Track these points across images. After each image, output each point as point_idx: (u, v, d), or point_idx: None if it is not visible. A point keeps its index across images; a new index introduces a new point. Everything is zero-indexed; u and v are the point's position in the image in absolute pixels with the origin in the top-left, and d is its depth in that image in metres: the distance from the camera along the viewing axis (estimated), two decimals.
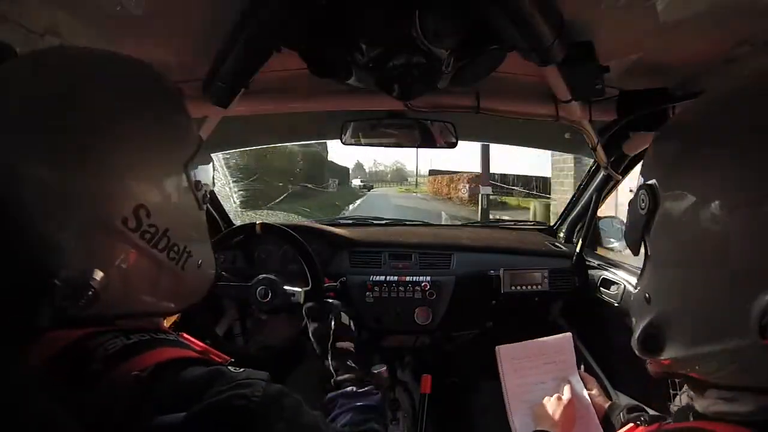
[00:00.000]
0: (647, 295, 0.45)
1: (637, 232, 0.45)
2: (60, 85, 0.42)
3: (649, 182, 0.44)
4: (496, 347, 0.91)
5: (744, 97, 0.42)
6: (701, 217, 0.38)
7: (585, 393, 0.88)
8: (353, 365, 0.84)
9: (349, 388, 0.75)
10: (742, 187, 0.36)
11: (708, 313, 0.39)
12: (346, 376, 0.79)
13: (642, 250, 0.47)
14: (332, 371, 0.82)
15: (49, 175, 0.40)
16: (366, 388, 0.75)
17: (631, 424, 0.54)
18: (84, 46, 0.50)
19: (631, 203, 0.47)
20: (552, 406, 0.84)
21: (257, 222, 1.13)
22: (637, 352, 0.46)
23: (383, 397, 0.75)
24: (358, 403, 0.70)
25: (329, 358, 0.84)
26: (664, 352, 0.43)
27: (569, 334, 0.96)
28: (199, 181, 0.50)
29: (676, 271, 0.41)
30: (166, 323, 0.59)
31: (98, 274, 0.41)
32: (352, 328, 0.93)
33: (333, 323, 0.90)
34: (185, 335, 0.55)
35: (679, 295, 0.41)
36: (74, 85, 0.42)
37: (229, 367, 0.45)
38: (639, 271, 0.48)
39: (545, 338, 0.95)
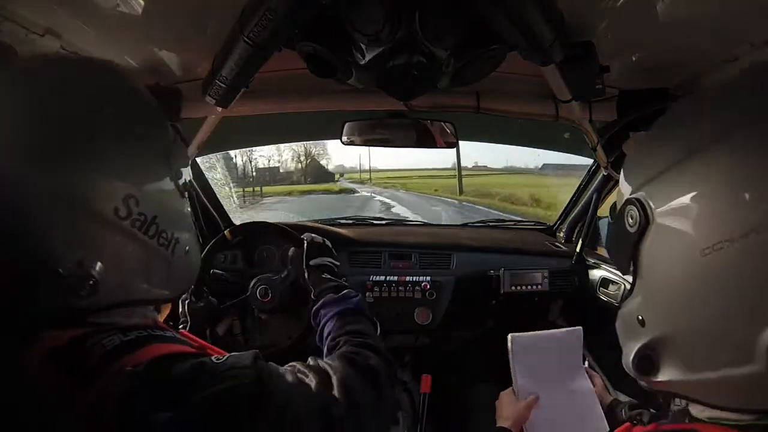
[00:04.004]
0: (640, 317, 0.41)
1: (626, 251, 0.41)
2: (51, 100, 0.45)
3: (638, 196, 0.40)
4: (509, 335, 0.91)
5: (745, 88, 0.38)
6: (705, 238, 0.34)
7: (591, 387, 0.88)
8: (329, 276, 0.84)
9: (327, 297, 0.76)
10: (754, 208, 0.32)
11: (710, 339, 0.36)
12: (323, 286, 0.80)
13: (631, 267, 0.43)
14: (311, 288, 0.82)
15: (44, 175, 0.42)
16: (343, 293, 0.76)
17: (628, 423, 0.54)
18: (84, 46, 0.51)
19: (615, 219, 0.43)
20: (506, 402, 0.85)
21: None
22: (630, 374, 0.43)
23: (362, 298, 0.77)
24: (338, 309, 0.72)
25: (306, 277, 0.85)
26: (659, 373, 0.40)
27: (579, 328, 0.94)
28: (180, 171, 0.54)
29: (674, 295, 0.38)
30: (163, 320, 0.59)
31: (97, 264, 0.44)
32: (328, 244, 0.94)
33: (306, 244, 0.91)
34: (184, 332, 0.56)
35: (679, 320, 0.38)
36: (68, 93, 0.46)
37: (212, 358, 0.45)
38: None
39: (556, 330, 0.94)
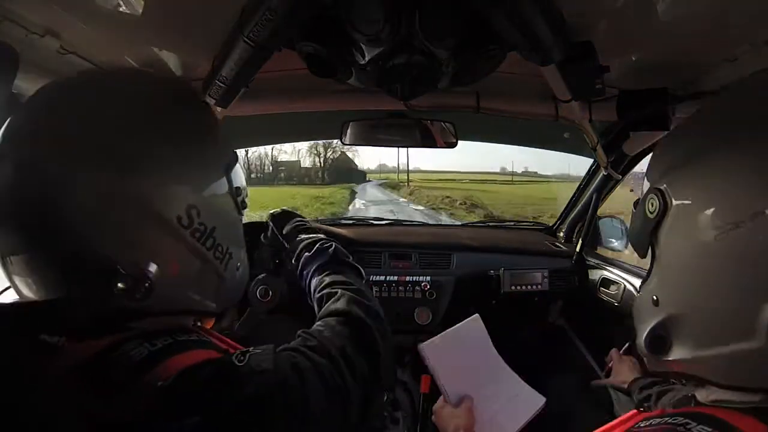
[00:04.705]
0: (655, 297, 0.45)
1: (645, 236, 0.45)
2: (124, 107, 0.47)
3: (659, 186, 0.44)
4: (419, 345, 0.89)
5: (757, 94, 0.42)
6: (714, 222, 0.38)
7: (505, 365, 0.92)
8: (303, 236, 0.84)
9: (303, 258, 0.77)
10: (761, 193, 0.36)
11: (717, 316, 0.39)
12: (298, 249, 0.80)
13: (649, 253, 0.47)
14: (292, 256, 0.82)
15: (114, 181, 0.43)
16: (315, 248, 0.77)
17: (635, 411, 0.55)
18: (84, 46, 0.51)
19: (638, 206, 0.47)
20: (446, 415, 0.82)
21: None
22: (642, 353, 0.46)
23: (336, 247, 0.78)
24: (314, 266, 0.74)
25: (286, 247, 0.85)
26: (671, 352, 0.43)
27: (477, 315, 0.97)
28: (239, 187, 0.55)
29: (685, 275, 0.41)
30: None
31: (153, 267, 0.44)
32: (287, 209, 0.95)
33: (270, 220, 0.91)
34: (208, 331, 0.55)
35: (689, 299, 0.41)
36: (137, 106, 0.48)
37: (234, 360, 0.44)
38: (640, 271, 0.48)
39: (458, 325, 0.95)
